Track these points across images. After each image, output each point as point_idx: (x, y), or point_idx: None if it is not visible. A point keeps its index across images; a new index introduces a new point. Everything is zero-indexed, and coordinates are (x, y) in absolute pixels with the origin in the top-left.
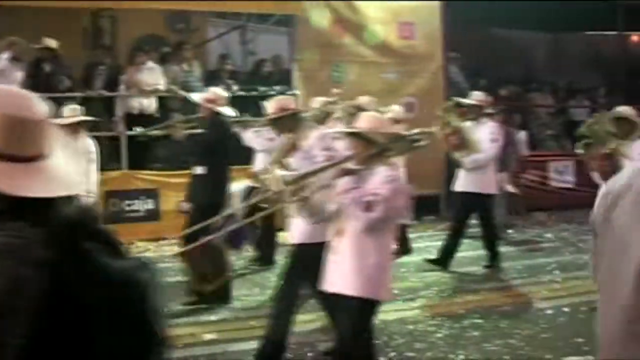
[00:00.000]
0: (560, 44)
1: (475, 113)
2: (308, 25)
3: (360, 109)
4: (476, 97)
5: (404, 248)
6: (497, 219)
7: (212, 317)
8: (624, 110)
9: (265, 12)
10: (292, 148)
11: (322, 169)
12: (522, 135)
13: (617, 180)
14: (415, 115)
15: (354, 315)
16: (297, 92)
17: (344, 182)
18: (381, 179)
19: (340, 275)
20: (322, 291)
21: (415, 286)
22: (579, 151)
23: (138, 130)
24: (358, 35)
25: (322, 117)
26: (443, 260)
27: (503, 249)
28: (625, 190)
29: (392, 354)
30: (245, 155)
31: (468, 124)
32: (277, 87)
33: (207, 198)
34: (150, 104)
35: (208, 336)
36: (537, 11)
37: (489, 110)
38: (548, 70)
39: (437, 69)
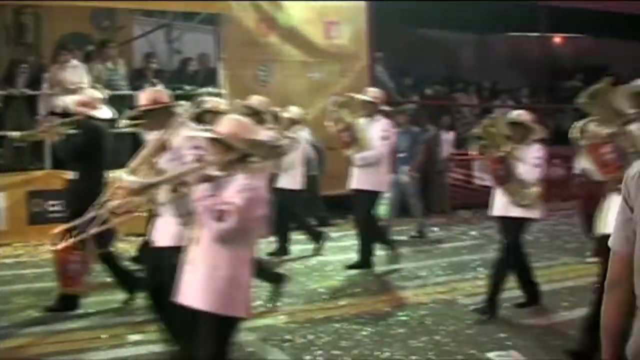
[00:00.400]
0: (485, 44)
1: (369, 109)
2: (234, 24)
3: (251, 109)
4: (371, 93)
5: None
6: (415, 215)
7: (138, 319)
8: (520, 114)
9: (191, 11)
10: (162, 147)
11: (177, 176)
12: (449, 135)
13: None
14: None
15: (207, 332)
16: (223, 91)
17: (201, 188)
18: (237, 187)
19: (191, 287)
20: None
21: (340, 285)
22: (473, 152)
23: (14, 134)
24: (284, 35)
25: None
26: (365, 261)
27: (428, 246)
28: None
29: (318, 352)
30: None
31: (361, 120)
32: (203, 86)
33: (80, 204)
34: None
35: (134, 337)
36: (463, 12)
37: (384, 108)
38: (473, 70)
39: (363, 68)
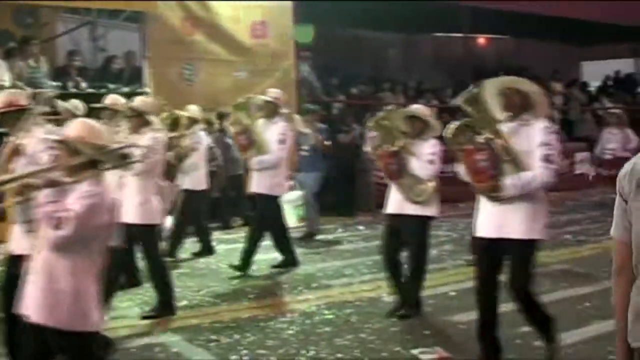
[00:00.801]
0: (411, 44)
1: (269, 111)
2: (159, 23)
3: (135, 111)
4: (272, 93)
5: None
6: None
7: None
8: (417, 108)
9: (116, 8)
10: (16, 152)
11: (18, 177)
12: (374, 134)
13: (638, 159)
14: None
15: (62, 348)
16: (148, 89)
17: (43, 194)
18: (78, 194)
19: (31, 299)
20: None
21: (266, 284)
22: (367, 148)
23: None
24: (210, 34)
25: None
26: (289, 261)
27: (354, 245)
28: None
29: (244, 352)
30: None
31: (260, 122)
32: (129, 85)
33: None
34: None
35: None
36: (389, 12)
37: (284, 110)
38: (399, 70)
39: (289, 67)
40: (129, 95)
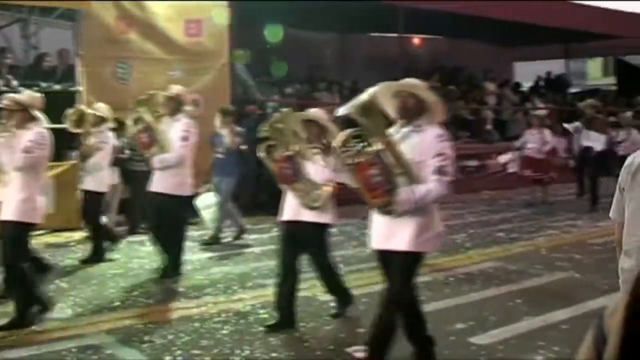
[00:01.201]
0: (346, 44)
1: (172, 108)
2: (92, 21)
3: (20, 104)
4: (174, 90)
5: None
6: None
7: None
8: (314, 112)
9: (48, 6)
10: None
11: None
12: None
13: (637, 155)
14: (200, 113)
15: None
16: (81, 87)
17: None
18: None
19: None
20: None
21: (201, 283)
22: (261, 153)
23: None
24: (144, 32)
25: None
26: (173, 268)
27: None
28: None
29: (178, 352)
30: None
31: (163, 120)
32: (61, 83)
33: None
34: None
35: None
36: (325, 11)
37: (189, 107)
38: (334, 69)
39: (224, 66)
40: (61, 94)
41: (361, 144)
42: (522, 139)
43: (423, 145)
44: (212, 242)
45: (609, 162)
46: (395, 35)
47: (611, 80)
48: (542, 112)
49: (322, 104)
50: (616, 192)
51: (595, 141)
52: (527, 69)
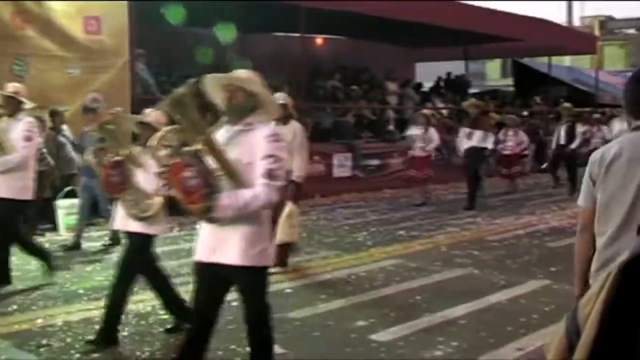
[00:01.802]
0: (249, 43)
1: (12, 107)
2: None
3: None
4: (12, 88)
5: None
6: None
7: None
8: (149, 114)
9: None
10: None
11: None
12: None
13: (610, 148)
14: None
15: None
16: None
17: None
18: None
19: None
20: None
21: (101, 285)
22: (89, 158)
23: None
24: (41, 29)
25: None
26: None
27: (191, 243)
28: (619, 153)
29: (77, 355)
30: None
31: (3, 120)
32: None
33: None
34: None
35: None
36: (227, 11)
37: (29, 105)
38: (236, 68)
39: (124, 65)
40: None
41: (180, 144)
42: (410, 138)
43: (252, 146)
44: (73, 247)
45: (489, 162)
46: (297, 35)
47: (509, 81)
48: (428, 111)
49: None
50: (585, 182)
51: (481, 141)
52: (429, 69)
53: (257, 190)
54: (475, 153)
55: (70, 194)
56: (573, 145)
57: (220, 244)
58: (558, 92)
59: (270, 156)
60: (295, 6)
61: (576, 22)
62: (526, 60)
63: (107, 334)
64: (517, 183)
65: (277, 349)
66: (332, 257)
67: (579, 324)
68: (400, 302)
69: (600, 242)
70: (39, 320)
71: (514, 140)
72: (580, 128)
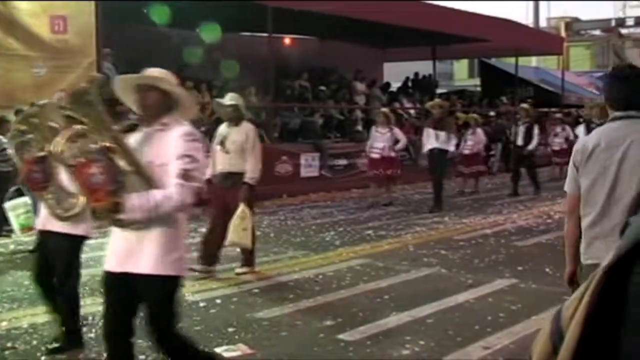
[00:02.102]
0: (216, 43)
1: None
2: None
3: None
4: None
5: None
6: None
7: None
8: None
9: None
10: None
11: None
12: None
13: (591, 137)
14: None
15: None
16: None
17: None
18: None
19: None
20: None
21: None
22: (10, 151)
23: None
24: (6, 28)
25: None
26: None
27: None
28: (598, 142)
29: (43, 358)
30: None
31: None
32: None
33: None
34: None
35: None
36: (194, 10)
37: None
38: (204, 68)
39: (90, 64)
40: None
41: (87, 143)
42: (371, 137)
43: (167, 146)
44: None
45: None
46: (265, 35)
47: (476, 81)
48: (386, 109)
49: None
50: (570, 170)
51: (445, 142)
52: (398, 69)
53: (170, 191)
54: (439, 155)
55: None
56: (530, 146)
57: (131, 252)
58: (525, 93)
59: (185, 156)
60: (262, 6)
61: (543, 23)
62: (493, 61)
63: (70, 337)
64: (478, 182)
65: (245, 349)
66: (300, 257)
67: (562, 327)
68: (368, 301)
69: (585, 223)
70: (4, 323)
71: (474, 140)
72: (537, 129)
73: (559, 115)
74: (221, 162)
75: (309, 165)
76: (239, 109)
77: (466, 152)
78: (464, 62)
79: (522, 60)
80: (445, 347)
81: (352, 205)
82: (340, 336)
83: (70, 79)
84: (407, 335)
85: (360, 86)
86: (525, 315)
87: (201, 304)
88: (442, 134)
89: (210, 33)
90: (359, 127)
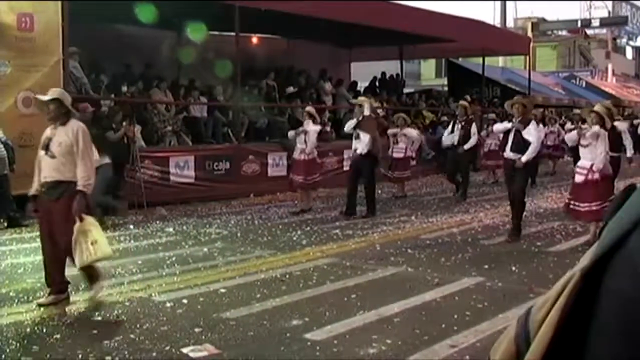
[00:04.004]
0: (182, 42)
1: None
2: None
3: None
4: None
5: None
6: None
7: None
8: None
9: None
10: None
11: None
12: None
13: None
14: (33, 111)
15: None
16: None
17: None
18: None
19: None
20: None
21: (31, 287)
22: None
23: None
24: None
25: None
26: None
27: (125, 244)
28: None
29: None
30: None
31: None
32: None
33: None
34: None
35: None
36: (161, 9)
37: None
38: (170, 67)
39: (56, 63)
40: None
41: None
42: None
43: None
44: None
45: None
46: (232, 34)
47: (444, 81)
48: (311, 108)
49: (156, 102)
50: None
51: (368, 145)
52: (365, 69)
53: None
54: (364, 157)
55: None
56: (467, 146)
57: None
58: (491, 92)
59: None
60: (229, 5)
61: (510, 24)
62: (460, 61)
63: None
64: (404, 186)
65: (212, 349)
66: (267, 257)
67: (530, 330)
68: (335, 300)
69: None
70: None
71: (405, 142)
72: (474, 128)
73: (492, 115)
74: (46, 169)
75: (276, 164)
76: (63, 104)
77: (397, 155)
78: (432, 62)
79: (489, 60)
80: (412, 346)
81: (320, 205)
82: (307, 335)
83: (35, 77)
84: (374, 334)
85: (327, 86)
86: (491, 313)
87: (167, 304)
88: (365, 137)
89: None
90: (327, 128)
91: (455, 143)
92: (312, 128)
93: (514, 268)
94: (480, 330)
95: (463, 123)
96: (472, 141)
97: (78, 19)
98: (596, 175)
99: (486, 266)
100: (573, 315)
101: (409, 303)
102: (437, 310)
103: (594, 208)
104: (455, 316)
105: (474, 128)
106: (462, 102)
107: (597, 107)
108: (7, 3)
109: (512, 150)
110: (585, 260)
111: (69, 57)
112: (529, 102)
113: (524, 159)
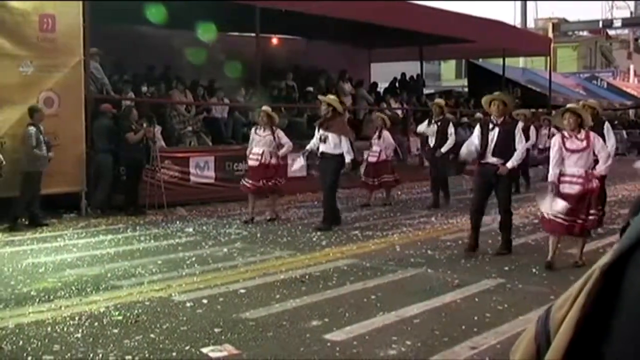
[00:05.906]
0: (203, 42)
1: None
2: None
3: None
4: None
5: None
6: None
7: None
8: None
9: None
10: None
11: None
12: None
13: None
14: (55, 111)
15: None
16: None
17: None
18: None
19: None
20: None
21: (53, 286)
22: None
23: None
24: None
25: None
26: None
27: (145, 244)
28: None
29: (29, 359)
30: None
31: None
32: None
33: None
34: None
35: None
36: (182, 10)
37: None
38: (190, 68)
39: (77, 64)
40: None
41: None
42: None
43: None
44: None
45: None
46: (252, 35)
47: (464, 82)
48: (268, 108)
49: (177, 103)
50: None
51: (336, 146)
52: (385, 70)
53: None
54: (330, 160)
55: None
56: (444, 149)
57: None
58: (512, 93)
59: None
60: (249, 6)
61: (530, 24)
62: (481, 62)
63: None
64: (389, 194)
65: (231, 350)
66: (287, 257)
67: (550, 329)
68: (355, 301)
69: None
70: None
71: (380, 145)
72: (451, 128)
73: (465, 119)
74: None
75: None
76: None
77: (372, 159)
78: (452, 63)
79: (510, 61)
80: (432, 347)
81: (339, 206)
82: (327, 336)
83: (57, 78)
84: (393, 336)
85: (347, 87)
86: (511, 315)
87: (188, 304)
88: (332, 136)
89: (206, 32)
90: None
91: (432, 145)
92: (280, 131)
93: (534, 269)
94: (500, 331)
95: (439, 123)
96: (450, 142)
97: (99, 20)
98: (595, 183)
99: (506, 268)
100: (593, 312)
101: (429, 304)
102: (457, 312)
103: (591, 218)
104: (476, 317)
105: (451, 128)
106: (437, 100)
107: (570, 106)
108: (30, 4)
109: (494, 154)
110: (605, 258)
111: (90, 57)
112: (510, 100)
113: (509, 165)
